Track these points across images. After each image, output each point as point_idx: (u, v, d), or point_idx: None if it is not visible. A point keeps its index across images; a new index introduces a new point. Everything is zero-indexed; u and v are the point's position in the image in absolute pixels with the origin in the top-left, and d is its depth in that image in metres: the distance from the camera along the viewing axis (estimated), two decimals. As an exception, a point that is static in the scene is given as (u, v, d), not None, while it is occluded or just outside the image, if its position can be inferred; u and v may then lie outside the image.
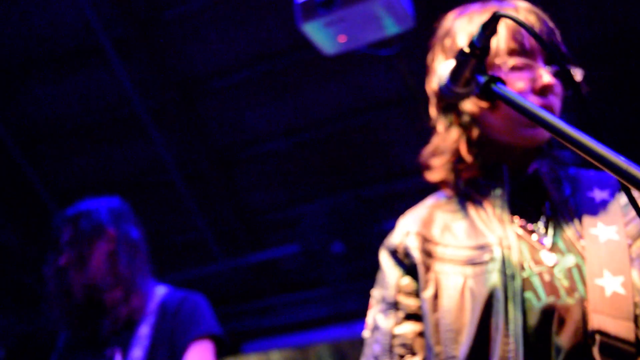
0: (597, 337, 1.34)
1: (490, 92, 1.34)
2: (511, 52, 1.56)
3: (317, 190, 6.27)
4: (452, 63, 1.45)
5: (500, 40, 1.57)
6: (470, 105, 1.62)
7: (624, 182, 0.99)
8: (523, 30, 1.55)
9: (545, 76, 1.55)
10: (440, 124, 1.70)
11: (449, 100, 1.54)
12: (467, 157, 1.63)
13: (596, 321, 1.35)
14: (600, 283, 1.39)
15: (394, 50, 4.72)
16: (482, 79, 1.36)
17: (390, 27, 3.77)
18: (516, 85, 1.53)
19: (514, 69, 1.55)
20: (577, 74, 1.60)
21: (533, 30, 1.23)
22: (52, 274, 2.86)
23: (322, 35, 3.76)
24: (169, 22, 5.51)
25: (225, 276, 6.68)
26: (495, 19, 1.32)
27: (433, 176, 1.69)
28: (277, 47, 5.54)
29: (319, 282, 6.26)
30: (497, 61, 1.56)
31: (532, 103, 1.23)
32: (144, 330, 2.76)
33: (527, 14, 1.59)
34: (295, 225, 6.18)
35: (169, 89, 5.77)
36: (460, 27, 1.65)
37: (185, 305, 2.80)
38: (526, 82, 1.54)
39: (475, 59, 1.37)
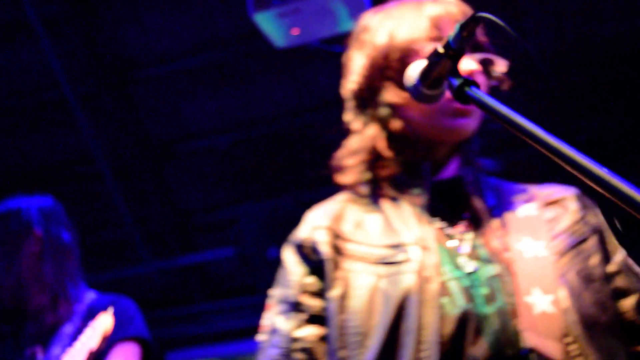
0: (532, 357, 1.35)
1: (464, 95, 1.33)
2: (432, 40, 1.55)
3: (255, 192, 6.23)
4: (422, 63, 1.44)
5: (421, 28, 1.57)
6: (391, 95, 1.59)
7: (608, 195, 1.01)
8: (445, 19, 1.56)
9: (468, 63, 1.54)
10: (357, 123, 1.67)
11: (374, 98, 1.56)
12: (387, 153, 1.61)
13: (530, 340, 1.36)
14: (530, 301, 1.40)
15: (347, 48, 4.71)
16: (456, 82, 1.35)
17: (346, 23, 3.75)
18: None
19: None
20: (501, 66, 1.62)
21: (509, 29, 1.24)
22: None
23: (274, 27, 3.72)
24: (103, 1, 5.37)
25: (152, 279, 6.56)
26: (474, 19, 1.30)
27: (345, 178, 1.65)
28: (223, 36, 5.46)
29: (253, 289, 6.20)
30: (415, 46, 1.56)
31: (509, 110, 1.23)
32: (68, 329, 2.73)
33: (448, 6, 1.60)
34: (230, 228, 6.13)
35: (101, 73, 5.62)
36: (379, 24, 1.65)
37: (114, 308, 2.74)
38: None
39: (449, 60, 1.36)
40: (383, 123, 1.61)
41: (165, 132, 6.04)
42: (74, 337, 2.67)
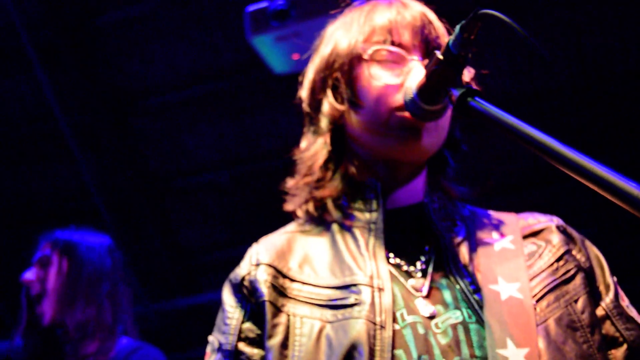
0: None
1: (467, 107, 1.19)
2: (380, 44, 1.42)
3: (260, 229, 6.10)
4: (420, 73, 1.31)
5: (366, 33, 1.44)
6: (327, 107, 1.47)
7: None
8: (400, 23, 1.42)
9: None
10: (304, 142, 1.56)
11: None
12: (324, 172, 1.47)
13: None
14: (504, 354, 1.21)
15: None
16: (457, 92, 1.22)
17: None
18: (384, 76, 1.38)
19: (383, 60, 1.41)
20: (468, 74, 1.47)
21: (518, 27, 1.12)
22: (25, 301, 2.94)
23: (273, 51, 3.62)
24: (102, 29, 5.33)
25: (149, 321, 6.44)
26: (476, 18, 1.17)
27: (288, 205, 1.53)
28: (224, 66, 5.41)
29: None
30: (357, 51, 1.42)
31: (520, 122, 1.09)
32: None
33: (400, 8, 1.45)
34: (232, 268, 6.02)
35: (98, 104, 5.56)
36: (330, 33, 1.53)
37: (138, 353, 2.85)
38: (396, 75, 1.39)
39: (449, 68, 1.23)
40: (324, 138, 1.49)
41: (164, 166, 5.98)
42: None
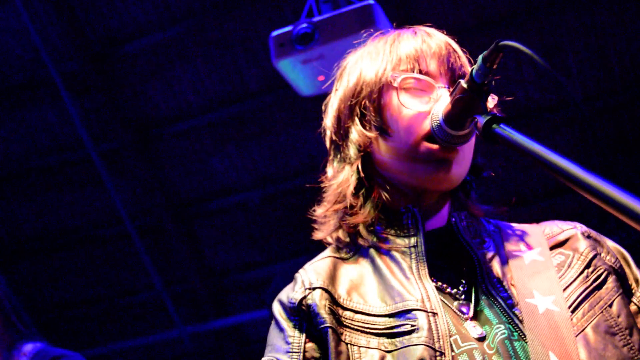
0: None
1: (492, 133, 1.23)
2: (406, 72, 1.43)
3: (289, 249, 6.14)
4: (446, 101, 1.36)
5: (393, 62, 1.45)
6: (356, 135, 1.47)
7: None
8: (424, 52, 1.44)
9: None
10: (331, 170, 1.54)
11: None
12: (353, 200, 1.46)
13: None
14: None
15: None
16: (482, 119, 1.26)
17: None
18: (413, 104, 1.40)
19: (411, 88, 1.42)
20: (492, 101, 1.45)
21: (538, 58, 1.15)
22: None
23: (298, 74, 3.66)
24: (128, 57, 5.42)
25: (184, 343, 6.48)
26: (497, 49, 1.21)
27: (317, 234, 1.50)
28: (249, 88, 5.46)
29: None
30: (385, 80, 1.44)
31: (547, 149, 1.12)
32: None
33: (425, 37, 1.47)
34: (265, 287, 6.04)
35: (125, 131, 5.64)
36: (354, 63, 1.54)
37: None
38: (425, 102, 1.40)
39: (474, 96, 1.27)
40: (352, 166, 1.48)
41: (192, 189, 6.02)
42: None
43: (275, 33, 3.60)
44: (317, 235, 1.51)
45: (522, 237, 1.48)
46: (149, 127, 5.73)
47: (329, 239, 1.51)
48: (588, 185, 1.01)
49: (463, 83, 1.27)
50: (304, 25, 3.48)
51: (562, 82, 1.12)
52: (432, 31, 1.51)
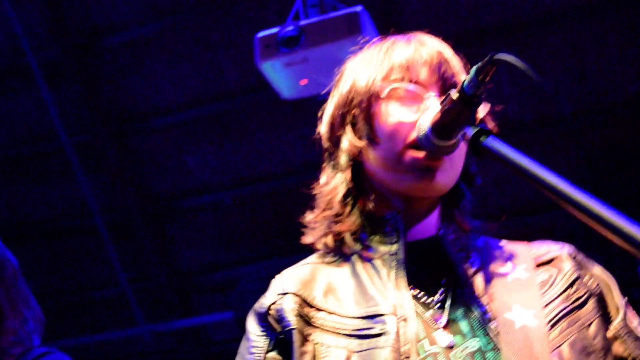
0: None
1: (479, 146, 1.26)
2: (398, 81, 1.46)
3: (258, 252, 6.14)
4: (434, 110, 1.38)
5: (385, 70, 1.48)
6: (346, 143, 1.51)
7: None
8: (417, 60, 1.47)
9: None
10: (324, 177, 1.59)
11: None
12: (340, 208, 1.51)
13: None
14: None
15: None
16: (471, 131, 1.28)
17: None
18: (400, 113, 1.43)
19: (401, 97, 1.45)
20: (483, 109, 1.50)
21: (532, 72, 1.17)
22: None
23: (280, 77, 3.68)
24: (107, 50, 5.39)
25: (146, 342, 6.44)
26: (491, 62, 1.24)
27: (308, 237, 1.56)
28: (228, 87, 5.45)
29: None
30: (376, 89, 1.47)
31: (533, 162, 1.14)
32: None
33: (418, 45, 1.51)
34: (231, 290, 6.03)
35: (101, 124, 5.61)
36: (349, 69, 1.57)
37: None
38: (413, 112, 1.43)
39: (464, 107, 1.30)
40: (343, 173, 1.53)
41: (165, 187, 6.00)
42: None
43: (261, 34, 3.61)
44: (306, 239, 1.56)
45: (509, 255, 1.51)
46: (126, 121, 5.70)
47: (318, 245, 1.55)
48: (574, 201, 1.03)
49: (453, 94, 1.29)
50: (290, 28, 3.50)
51: (555, 99, 1.15)
52: (426, 39, 1.54)
